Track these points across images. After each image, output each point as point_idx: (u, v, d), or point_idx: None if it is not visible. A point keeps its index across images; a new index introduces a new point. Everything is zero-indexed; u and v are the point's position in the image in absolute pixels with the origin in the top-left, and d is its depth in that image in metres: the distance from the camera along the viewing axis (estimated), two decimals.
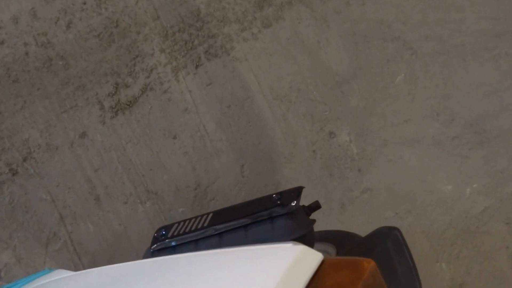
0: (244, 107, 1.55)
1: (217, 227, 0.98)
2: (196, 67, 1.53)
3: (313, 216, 1.07)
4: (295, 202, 0.94)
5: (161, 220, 1.51)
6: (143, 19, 1.56)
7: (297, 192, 0.96)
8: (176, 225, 1.06)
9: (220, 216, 1.00)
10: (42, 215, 1.55)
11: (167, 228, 1.07)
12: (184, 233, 1.01)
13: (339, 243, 1.10)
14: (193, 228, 1.01)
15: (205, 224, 1.00)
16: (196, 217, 1.05)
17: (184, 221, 1.06)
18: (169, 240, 1.02)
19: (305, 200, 1.01)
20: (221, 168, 1.53)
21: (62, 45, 1.57)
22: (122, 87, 1.55)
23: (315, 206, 1.01)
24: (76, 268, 1.49)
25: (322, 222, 1.08)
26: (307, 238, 0.97)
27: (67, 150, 1.57)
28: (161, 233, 1.05)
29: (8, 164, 1.56)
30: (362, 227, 1.57)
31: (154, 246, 1.03)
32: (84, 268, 1.48)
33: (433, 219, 1.56)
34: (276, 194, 0.97)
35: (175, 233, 1.03)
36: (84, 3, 1.57)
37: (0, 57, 1.60)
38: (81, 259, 1.51)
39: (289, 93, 1.56)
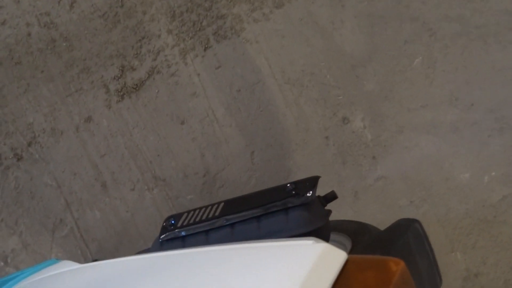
0: (255, 91, 1.49)
1: (229, 217, 0.94)
2: (205, 49, 1.47)
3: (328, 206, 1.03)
4: (311, 192, 0.89)
5: (169, 208, 1.48)
6: None
7: (313, 182, 0.92)
8: (185, 214, 1.02)
9: (232, 205, 0.96)
10: (48, 201, 1.51)
11: (176, 217, 1.03)
12: (194, 223, 0.97)
13: (355, 235, 1.06)
14: (204, 218, 0.97)
15: (216, 214, 0.96)
16: (206, 206, 1.01)
17: (194, 210, 1.02)
18: (179, 230, 0.98)
19: (318, 188, 0.97)
20: (231, 155, 1.48)
21: (66, 26, 1.51)
22: (128, 70, 1.49)
23: (331, 196, 0.96)
24: (83, 255, 1.46)
25: (334, 211, 1.03)
26: (323, 230, 0.93)
27: (72, 134, 1.52)
28: (170, 222, 1.02)
29: (13, 149, 1.52)
30: (375, 216, 1.53)
31: (163, 236, 0.99)
32: (91, 256, 1.46)
33: (449, 208, 1.51)
34: (291, 183, 0.92)
35: (185, 223, 0.99)
36: None
37: (2, 38, 1.54)
38: (88, 246, 1.48)
39: (301, 76, 1.50)
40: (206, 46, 1.47)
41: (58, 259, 1.00)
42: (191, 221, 0.98)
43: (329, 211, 0.96)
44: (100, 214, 1.49)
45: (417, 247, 0.87)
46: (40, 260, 1.53)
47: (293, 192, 0.91)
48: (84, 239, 1.49)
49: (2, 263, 1.51)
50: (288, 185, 0.91)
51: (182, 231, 0.97)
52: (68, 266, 0.81)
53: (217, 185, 1.48)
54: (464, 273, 1.53)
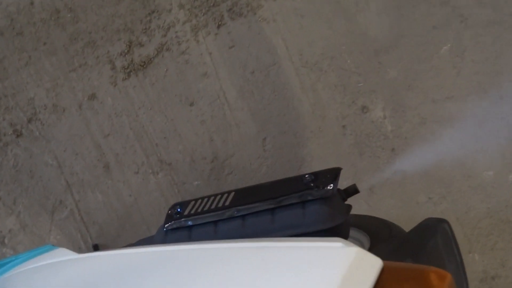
0: (270, 74, 1.40)
1: (240, 208, 0.86)
2: (218, 26, 1.37)
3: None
4: (332, 185, 0.81)
5: (174, 193, 1.40)
6: None
7: (334, 174, 0.84)
8: (193, 202, 0.95)
9: (244, 196, 0.89)
10: (48, 181, 1.44)
11: (183, 205, 0.95)
12: (202, 212, 0.90)
13: (373, 233, 0.98)
14: (213, 207, 0.90)
15: (226, 204, 0.89)
16: (215, 195, 0.93)
17: (202, 198, 0.95)
18: (185, 219, 0.91)
19: None
20: (241, 140, 1.40)
21: None
22: (135, 45, 1.40)
23: (353, 190, 0.88)
24: (83, 239, 1.40)
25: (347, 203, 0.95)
26: (343, 227, 0.85)
27: (75, 112, 1.44)
28: (176, 210, 0.94)
29: (12, 125, 1.45)
30: (391, 212, 1.45)
31: (168, 224, 0.92)
32: (91, 240, 1.39)
33: (469, 207, 1.43)
34: (309, 174, 0.84)
35: (192, 212, 0.92)
36: None
37: (3, 7, 1.45)
38: (89, 230, 1.42)
39: (320, 60, 1.40)
40: (219, 23, 1.37)
41: (54, 245, 0.93)
42: (199, 210, 0.91)
43: (349, 206, 0.88)
44: (102, 197, 1.42)
45: (445, 249, 0.80)
46: (39, 242, 1.47)
47: (312, 184, 0.83)
48: (84, 222, 1.42)
49: None
50: (307, 176, 0.83)
51: (189, 220, 0.90)
52: (64, 255, 0.74)
53: (226, 172, 1.40)
54: (481, 275, 1.46)
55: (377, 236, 0.96)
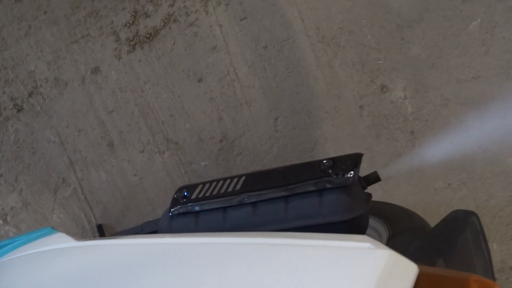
0: (283, 49, 1.31)
1: (251, 194, 0.80)
2: None
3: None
4: (352, 173, 0.74)
5: (181, 174, 1.35)
6: None
7: (354, 160, 0.76)
8: (201, 186, 0.88)
9: (255, 181, 0.82)
10: (50, 158, 1.39)
11: (190, 188, 0.89)
12: (211, 197, 0.84)
13: (392, 222, 0.91)
14: (222, 191, 0.84)
15: (237, 189, 0.82)
16: (225, 179, 0.87)
17: (211, 182, 0.88)
18: (192, 204, 0.85)
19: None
20: (252, 120, 1.33)
21: None
22: (141, 16, 1.32)
23: (374, 178, 0.81)
24: (87, 218, 1.36)
25: None
26: (363, 218, 0.79)
27: (77, 87, 1.38)
28: (182, 194, 0.88)
29: (13, 99, 1.38)
30: (407, 198, 1.38)
31: (174, 209, 0.87)
32: (95, 220, 1.35)
33: (490, 194, 1.35)
34: (328, 160, 0.77)
35: (200, 196, 0.86)
36: None
37: None
38: (93, 209, 1.37)
39: (338, 35, 1.31)
40: None
41: (54, 228, 0.89)
42: (207, 195, 0.85)
43: (370, 196, 0.81)
44: (106, 176, 1.37)
45: (474, 245, 0.73)
46: (42, 221, 1.43)
47: (330, 171, 0.76)
48: (88, 202, 1.38)
49: (1, 221, 1.41)
50: (325, 161, 0.76)
51: (196, 205, 0.84)
52: (64, 242, 0.69)
53: (235, 152, 1.33)
54: (499, 265, 1.40)
55: (397, 225, 0.89)
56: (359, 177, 0.80)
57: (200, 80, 1.32)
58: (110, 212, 1.38)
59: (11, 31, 1.39)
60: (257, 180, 0.81)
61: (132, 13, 1.31)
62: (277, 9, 1.30)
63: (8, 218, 1.40)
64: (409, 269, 0.40)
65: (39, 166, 1.37)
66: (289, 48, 1.31)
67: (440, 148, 1.34)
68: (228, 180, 0.85)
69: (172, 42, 1.30)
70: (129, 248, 0.57)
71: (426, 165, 1.35)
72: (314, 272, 0.40)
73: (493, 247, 1.38)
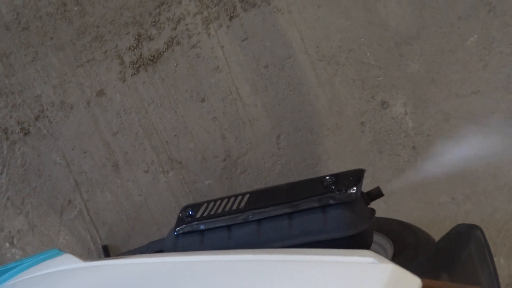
0: (284, 68, 1.33)
1: (255, 212, 0.81)
2: (230, 18, 1.31)
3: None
4: (355, 188, 0.75)
5: (185, 193, 1.36)
6: None
7: (357, 176, 0.77)
8: (205, 204, 0.89)
9: (259, 198, 0.83)
10: (57, 181, 1.41)
11: (194, 207, 0.90)
12: (215, 215, 0.85)
13: (397, 238, 0.91)
14: (226, 210, 0.84)
15: (241, 207, 0.83)
16: (229, 197, 0.88)
17: (215, 200, 0.89)
18: (197, 223, 0.86)
19: None
20: (255, 138, 1.34)
21: None
22: (145, 39, 1.35)
23: (376, 193, 0.82)
24: (92, 239, 1.36)
25: None
26: (367, 233, 0.79)
27: (83, 109, 1.40)
28: (187, 213, 0.89)
29: (20, 123, 1.41)
30: (411, 213, 1.38)
31: (179, 228, 0.87)
32: (101, 241, 1.35)
33: (495, 208, 1.35)
34: (330, 176, 0.78)
35: (205, 214, 0.87)
36: None
37: (9, 0, 1.41)
38: (98, 230, 1.38)
39: (337, 53, 1.33)
40: (232, 15, 1.31)
41: (60, 250, 0.89)
42: (212, 213, 0.86)
43: (373, 211, 0.82)
44: (111, 197, 1.38)
45: (479, 259, 0.73)
46: (48, 243, 1.43)
47: (333, 187, 0.77)
48: (94, 223, 1.38)
49: (8, 244, 1.42)
50: (327, 177, 0.77)
51: (201, 224, 0.85)
52: (72, 263, 0.70)
53: (239, 171, 1.34)
54: (506, 280, 1.38)
55: (402, 241, 0.89)
56: (362, 192, 0.80)
57: (203, 100, 1.34)
58: (115, 232, 1.39)
59: (19, 57, 1.42)
60: (261, 198, 0.82)
61: (136, 37, 1.35)
62: (277, 30, 1.33)
63: (15, 241, 1.41)
64: (412, 283, 0.40)
65: (45, 188, 1.38)
66: (289, 67, 1.33)
67: (443, 163, 1.35)
68: (233, 198, 0.86)
69: (175, 64, 1.33)
70: (136, 268, 0.58)
71: (430, 180, 1.36)
72: (318, 284, 0.40)
73: (500, 261, 1.37)
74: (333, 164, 1.34)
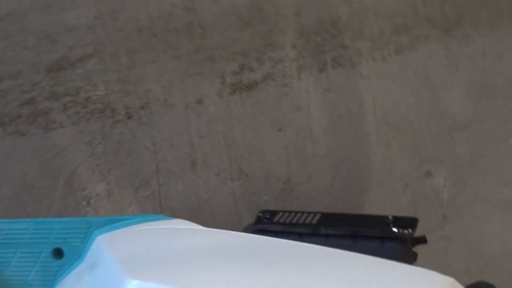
0: (353, 122, 1.59)
1: (326, 227, 1.03)
2: (320, 71, 1.58)
3: None
4: (410, 230, 0.97)
5: (244, 201, 1.59)
6: (285, 13, 1.63)
7: (413, 222, 1.00)
8: (281, 213, 1.12)
9: (329, 219, 1.06)
10: (142, 162, 1.66)
11: (271, 213, 1.13)
12: (291, 223, 1.07)
13: None
14: (301, 221, 1.07)
15: (313, 222, 1.06)
16: (302, 212, 1.11)
17: (290, 212, 1.12)
18: (274, 225, 1.08)
19: None
20: (314, 172, 1.58)
21: (205, 15, 1.67)
22: (247, 69, 1.63)
23: (422, 240, 1.03)
24: None
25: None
26: None
27: (181, 110, 1.67)
28: (265, 215, 1.12)
29: (126, 108, 1.68)
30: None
31: (258, 225, 1.10)
32: None
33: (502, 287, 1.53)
34: (392, 216, 1.01)
35: (281, 221, 1.09)
36: None
37: (147, 10, 1.72)
38: (163, 212, 1.61)
39: (400, 122, 1.58)
40: (322, 68, 1.59)
41: (168, 216, 1.04)
42: (287, 221, 1.08)
43: (416, 254, 1.03)
44: (182, 187, 1.62)
45: None
46: (118, 211, 1.66)
47: (392, 225, 0.99)
48: (161, 205, 1.62)
49: (84, 203, 1.65)
50: (390, 217, 1.00)
51: (278, 227, 1.07)
52: (187, 225, 0.84)
53: (293, 195, 1.57)
54: None
55: None
56: (412, 236, 1.02)
57: (280, 130, 1.60)
58: (177, 217, 1.62)
59: (142, 56, 1.72)
60: (331, 218, 1.04)
61: (240, 65, 1.63)
62: (355, 90, 1.59)
63: (92, 202, 1.65)
64: None
65: (131, 165, 1.63)
66: (358, 122, 1.59)
67: (465, 235, 1.55)
68: (306, 214, 1.09)
69: (266, 95, 1.60)
70: (249, 239, 0.78)
71: (450, 248, 1.56)
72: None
73: None
74: (374, 211, 1.56)
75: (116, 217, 0.97)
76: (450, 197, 1.56)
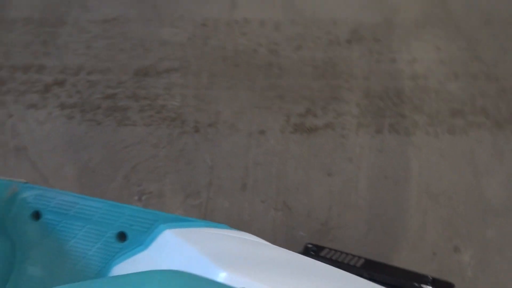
0: (398, 184, 1.71)
1: (369, 272, 1.13)
2: (377, 132, 1.74)
3: None
4: None
5: (282, 232, 1.70)
6: (356, 73, 1.81)
7: (449, 284, 1.10)
8: (327, 249, 1.23)
9: (373, 265, 1.16)
10: (197, 174, 1.80)
11: (318, 247, 1.24)
12: (336, 261, 1.18)
13: None
14: (346, 261, 1.18)
15: (357, 265, 1.16)
16: (347, 253, 1.22)
17: (336, 250, 1.23)
18: (321, 259, 1.19)
19: None
20: (352, 221, 1.69)
21: (285, 59, 1.86)
22: (311, 114, 1.79)
23: None
24: None
25: None
26: None
27: (244, 136, 1.82)
28: (312, 248, 1.23)
29: (196, 122, 1.85)
30: None
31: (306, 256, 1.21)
32: None
33: None
34: (431, 277, 1.11)
35: (327, 256, 1.20)
36: (319, 38, 1.86)
37: (236, 43, 1.92)
38: None
39: (439, 194, 1.70)
40: (379, 130, 1.74)
41: (232, 227, 1.14)
42: (333, 258, 1.19)
43: None
44: (228, 205, 1.74)
45: None
46: (165, 212, 1.79)
47: (430, 284, 1.09)
48: (205, 216, 1.74)
49: (136, 197, 1.79)
50: (429, 276, 1.10)
51: (324, 261, 1.18)
52: (257, 239, 0.94)
53: (328, 238, 1.68)
54: None
55: None
56: None
57: (329, 175, 1.73)
58: None
59: (220, 82, 1.90)
60: (374, 265, 1.15)
61: (306, 109, 1.79)
62: (405, 156, 1.73)
63: (143, 198, 1.78)
64: None
65: (186, 174, 1.77)
66: (402, 186, 1.71)
67: None
68: (350, 255, 1.20)
69: (324, 141, 1.75)
70: (301, 259, 0.88)
71: None
72: None
73: None
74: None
75: (182, 217, 1.09)
76: (473, 275, 1.64)
